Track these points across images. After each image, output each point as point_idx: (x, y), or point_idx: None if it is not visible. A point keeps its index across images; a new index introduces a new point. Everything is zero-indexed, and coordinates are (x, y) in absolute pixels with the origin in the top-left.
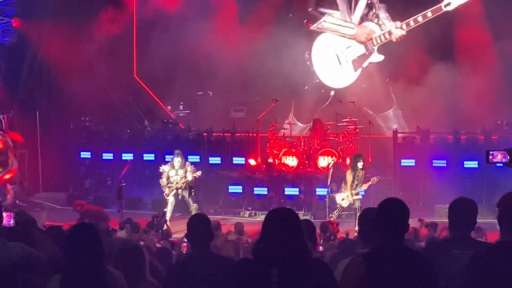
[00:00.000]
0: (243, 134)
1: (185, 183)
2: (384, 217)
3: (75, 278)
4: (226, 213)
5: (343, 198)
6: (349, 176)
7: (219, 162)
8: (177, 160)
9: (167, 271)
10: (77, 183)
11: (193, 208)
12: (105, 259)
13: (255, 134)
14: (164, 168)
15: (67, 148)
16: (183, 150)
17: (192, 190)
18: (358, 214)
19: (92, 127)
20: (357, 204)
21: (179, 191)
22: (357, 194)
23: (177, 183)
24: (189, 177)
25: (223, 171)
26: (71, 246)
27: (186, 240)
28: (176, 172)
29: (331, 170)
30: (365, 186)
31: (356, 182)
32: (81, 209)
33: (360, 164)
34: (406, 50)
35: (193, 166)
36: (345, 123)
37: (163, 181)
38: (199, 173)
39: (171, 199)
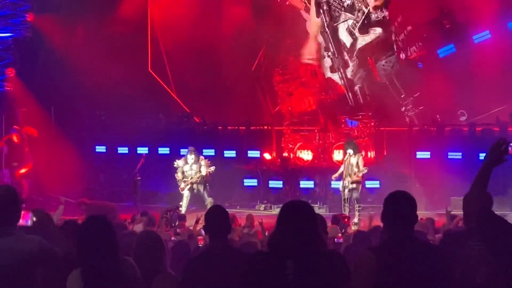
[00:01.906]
0: (258, 128)
1: (199, 178)
2: (392, 210)
3: (91, 271)
4: (242, 206)
5: (344, 186)
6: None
7: (234, 155)
8: (191, 157)
9: (185, 264)
10: (92, 177)
11: (209, 202)
12: (118, 250)
13: (270, 128)
14: (179, 163)
15: (82, 142)
16: (198, 143)
17: (207, 184)
18: (357, 205)
19: (107, 121)
20: (355, 195)
21: (194, 185)
22: (353, 183)
23: (191, 177)
24: (204, 171)
25: (238, 165)
26: (84, 240)
27: (203, 232)
28: (191, 167)
29: None
30: (356, 176)
31: (349, 169)
32: (86, 206)
33: (350, 151)
34: (418, 40)
35: (207, 160)
36: (360, 117)
37: (178, 175)
38: (212, 168)
39: (186, 193)
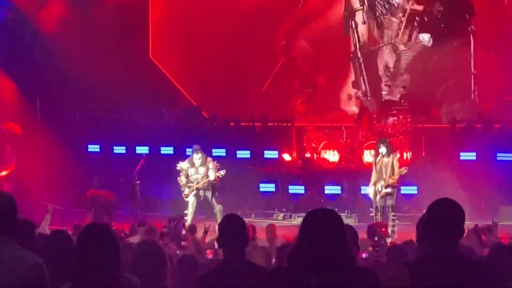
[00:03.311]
0: (276, 124)
1: (207, 183)
2: (435, 221)
3: (87, 286)
4: (257, 215)
5: (376, 192)
6: (374, 166)
7: (249, 156)
8: (197, 157)
9: (198, 281)
10: (84, 181)
11: (218, 209)
12: (120, 265)
13: (290, 124)
14: (182, 165)
15: (72, 141)
16: (207, 142)
17: (216, 191)
18: (392, 214)
19: (102, 116)
20: (389, 202)
21: (201, 191)
22: (387, 187)
23: (197, 182)
24: (212, 176)
25: (253, 167)
26: (83, 251)
27: (216, 245)
28: (197, 170)
29: None
30: (392, 179)
31: (382, 172)
32: (91, 197)
33: (382, 150)
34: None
35: (215, 162)
36: (395, 111)
37: (182, 179)
38: (222, 172)
39: (191, 200)
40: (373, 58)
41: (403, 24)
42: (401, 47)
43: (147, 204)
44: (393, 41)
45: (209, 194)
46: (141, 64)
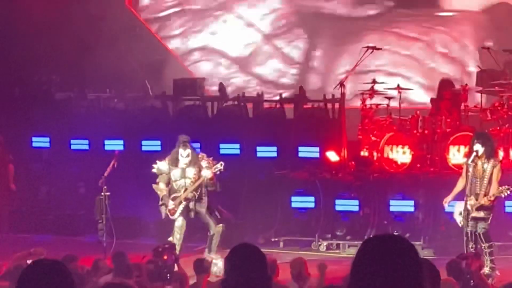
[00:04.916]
0: (316, 106)
1: (198, 189)
2: None
3: None
4: (287, 244)
5: (461, 211)
6: (464, 171)
7: (275, 154)
8: (184, 153)
9: None
10: (27, 190)
11: (216, 231)
12: None
13: (337, 106)
14: (161, 166)
15: (9, 131)
16: (211, 133)
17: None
18: (486, 244)
19: (54, 94)
20: (480, 227)
21: (191, 204)
22: (480, 209)
23: (185, 189)
24: (207, 173)
25: (281, 171)
26: None
27: None
28: (183, 173)
29: None
30: (486, 199)
31: (476, 184)
32: None
33: (477, 148)
34: None
35: (211, 158)
36: (496, 88)
37: (161, 187)
38: (219, 166)
39: (179, 222)
40: None
41: None
42: None
43: (123, 227)
44: None
45: (202, 207)
46: (112, 16)
